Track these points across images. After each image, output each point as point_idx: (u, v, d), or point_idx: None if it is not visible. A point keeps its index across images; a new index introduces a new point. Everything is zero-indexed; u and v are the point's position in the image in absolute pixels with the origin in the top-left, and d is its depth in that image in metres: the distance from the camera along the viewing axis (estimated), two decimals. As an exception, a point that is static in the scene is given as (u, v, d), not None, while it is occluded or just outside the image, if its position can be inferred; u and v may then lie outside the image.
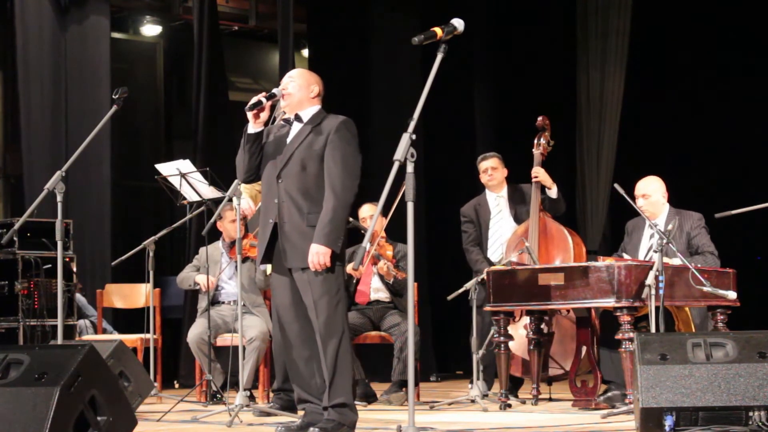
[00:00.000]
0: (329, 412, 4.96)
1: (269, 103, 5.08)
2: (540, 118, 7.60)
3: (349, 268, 6.82)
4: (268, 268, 6.45)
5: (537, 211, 7.29)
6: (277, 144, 5.13)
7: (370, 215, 7.40)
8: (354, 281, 7.44)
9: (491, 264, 7.37)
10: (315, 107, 5.16)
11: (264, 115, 5.09)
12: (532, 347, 6.93)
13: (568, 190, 11.61)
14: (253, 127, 5.09)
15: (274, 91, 5.13)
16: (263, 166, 5.15)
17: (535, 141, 7.56)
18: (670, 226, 6.22)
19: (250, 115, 5.06)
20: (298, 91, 5.13)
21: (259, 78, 12.19)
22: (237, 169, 5.24)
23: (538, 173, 7.38)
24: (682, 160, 11.05)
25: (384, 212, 7.29)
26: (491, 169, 7.56)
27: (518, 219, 7.46)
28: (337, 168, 4.97)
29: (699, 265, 6.33)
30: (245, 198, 6.86)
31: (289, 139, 5.12)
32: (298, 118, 5.14)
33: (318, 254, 4.88)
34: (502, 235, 7.47)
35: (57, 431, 4.13)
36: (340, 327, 4.96)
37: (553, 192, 7.42)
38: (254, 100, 5.05)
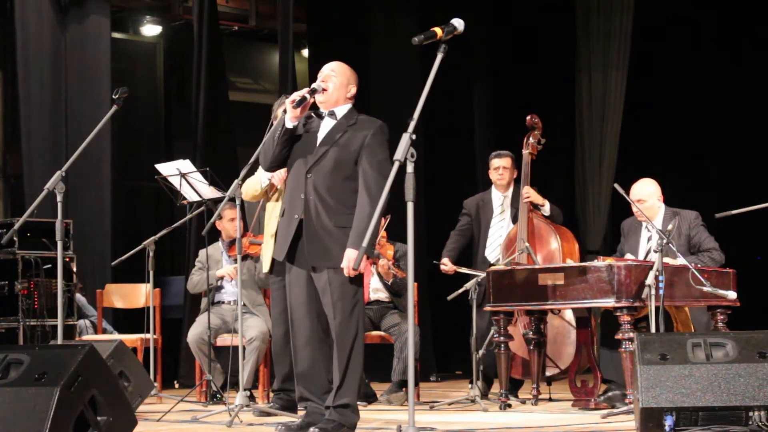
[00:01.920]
0: (330, 412, 4.94)
1: (312, 99, 5.04)
2: (529, 117, 7.52)
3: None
4: (266, 266, 6.42)
5: (526, 213, 7.26)
6: (307, 138, 5.07)
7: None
8: None
9: (488, 264, 7.38)
10: (348, 105, 5.11)
11: (305, 110, 5.04)
12: (532, 347, 6.94)
13: (569, 190, 11.64)
14: (291, 122, 5.02)
15: (315, 86, 5.06)
16: (291, 158, 5.09)
17: (524, 141, 7.50)
18: (669, 226, 6.23)
19: (296, 110, 4.96)
20: (337, 90, 5.06)
21: (259, 78, 12.18)
22: (263, 157, 5.15)
23: (529, 194, 7.31)
24: (683, 160, 11.06)
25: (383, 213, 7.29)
26: (503, 168, 7.51)
27: (517, 220, 7.45)
28: (374, 172, 4.91)
29: (699, 265, 6.32)
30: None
31: (321, 134, 5.05)
32: (332, 114, 5.08)
33: (356, 260, 4.77)
34: (502, 236, 7.46)
35: (57, 431, 4.13)
36: (354, 330, 4.95)
37: (546, 209, 7.38)
38: (299, 96, 4.98)
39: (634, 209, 6.68)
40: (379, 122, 5.06)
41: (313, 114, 5.13)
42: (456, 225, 7.65)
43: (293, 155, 5.08)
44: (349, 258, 4.85)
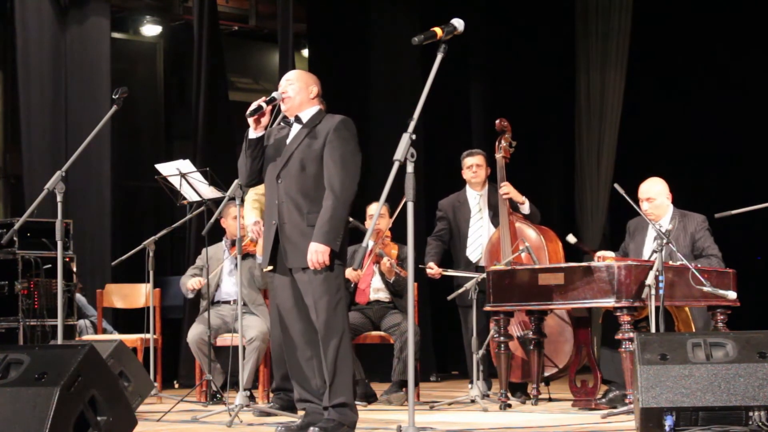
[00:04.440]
0: (329, 411, 4.96)
1: (269, 107, 5.09)
2: (498, 121, 7.52)
3: (348, 271, 6.82)
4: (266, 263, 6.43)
5: (506, 216, 7.26)
6: (277, 146, 5.14)
7: (380, 213, 7.35)
8: (352, 286, 7.41)
9: (468, 264, 7.43)
10: (315, 108, 5.17)
11: (265, 120, 5.09)
12: (532, 347, 6.94)
13: (568, 189, 11.64)
14: (253, 133, 5.09)
15: (274, 95, 5.13)
16: (264, 168, 5.16)
17: (496, 145, 7.50)
18: (669, 226, 6.22)
19: (250, 120, 5.06)
20: (298, 94, 5.14)
21: (259, 78, 12.19)
22: (239, 173, 5.25)
23: (509, 191, 7.31)
24: (682, 159, 11.06)
25: (390, 212, 7.34)
26: (476, 166, 7.52)
27: (495, 220, 7.44)
28: (336, 167, 4.98)
29: (700, 266, 6.33)
30: (254, 212, 6.76)
31: (288, 140, 5.13)
32: (298, 119, 5.15)
33: (317, 252, 4.88)
34: (482, 235, 7.47)
35: (57, 431, 4.13)
36: (340, 327, 4.96)
37: (525, 207, 7.37)
38: (254, 105, 5.04)
39: (643, 208, 6.67)
40: (341, 117, 5.11)
41: (283, 123, 5.19)
42: (435, 230, 7.63)
43: (265, 165, 5.16)
44: (313, 251, 4.89)
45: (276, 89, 5.22)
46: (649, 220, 6.52)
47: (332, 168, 4.98)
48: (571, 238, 6.68)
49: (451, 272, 7.37)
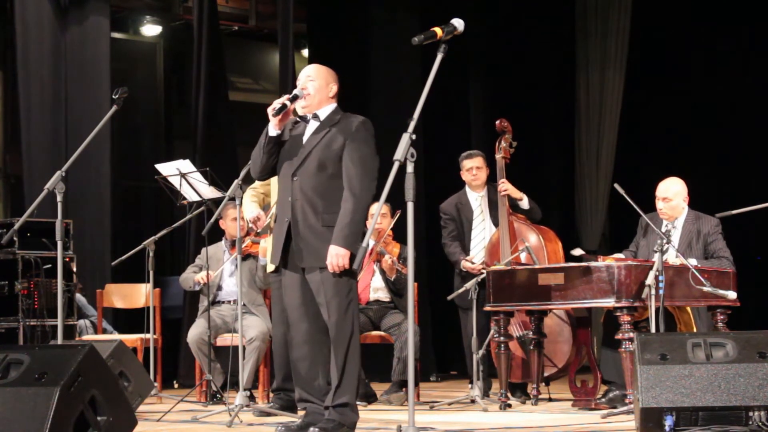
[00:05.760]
0: (330, 411, 4.95)
1: (293, 105, 5.07)
2: (498, 122, 7.50)
3: None
4: (269, 265, 6.44)
5: (506, 217, 7.25)
6: (292, 142, 5.09)
7: (381, 213, 7.35)
8: None
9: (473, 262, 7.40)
10: (332, 105, 5.13)
11: (286, 117, 5.08)
12: (532, 347, 6.94)
13: (568, 189, 11.64)
14: (274, 129, 5.05)
15: (296, 92, 5.09)
16: (279, 164, 5.12)
17: (496, 145, 7.48)
18: (669, 226, 6.21)
19: (275, 119, 5.01)
20: (318, 92, 5.08)
21: (259, 78, 12.19)
22: (252, 166, 5.20)
23: (507, 188, 7.30)
24: (681, 159, 11.05)
25: (392, 212, 7.33)
26: (476, 168, 7.50)
27: (497, 220, 7.42)
28: (356, 169, 4.94)
29: (707, 266, 6.32)
30: (253, 205, 6.75)
31: (305, 138, 5.08)
32: (315, 116, 5.10)
33: (338, 256, 4.84)
34: (485, 238, 7.45)
35: (57, 431, 4.13)
36: (350, 328, 4.95)
37: (524, 203, 7.35)
38: (278, 104, 4.99)
39: (658, 207, 6.67)
40: (362, 118, 5.07)
41: (299, 119, 5.16)
42: (444, 233, 7.58)
43: (281, 160, 5.12)
44: (333, 254, 4.87)
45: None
46: (648, 219, 6.52)
47: (352, 169, 4.94)
48: (577, 251, 6.64)
49: (496, 267, 7.26)
